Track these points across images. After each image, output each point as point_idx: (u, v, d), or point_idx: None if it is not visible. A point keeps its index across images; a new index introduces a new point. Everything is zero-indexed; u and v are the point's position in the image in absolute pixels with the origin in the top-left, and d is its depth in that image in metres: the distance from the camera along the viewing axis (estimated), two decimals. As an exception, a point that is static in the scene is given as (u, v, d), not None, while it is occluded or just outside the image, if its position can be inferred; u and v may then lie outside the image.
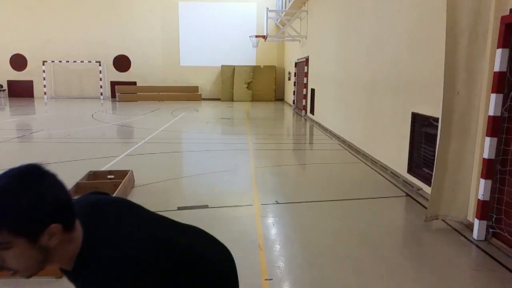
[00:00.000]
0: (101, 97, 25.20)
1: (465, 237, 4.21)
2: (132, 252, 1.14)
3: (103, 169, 6.55)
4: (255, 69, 25.00)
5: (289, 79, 22.40)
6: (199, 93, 25.36)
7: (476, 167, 4.26)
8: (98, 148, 8.91)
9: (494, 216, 4.04)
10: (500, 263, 3.63)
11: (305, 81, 16.59)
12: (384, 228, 4.51)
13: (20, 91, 25.47)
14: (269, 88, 25.14)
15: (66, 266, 1.17)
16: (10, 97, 25.24)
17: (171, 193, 5.73)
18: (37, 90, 25.46)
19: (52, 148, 9.21)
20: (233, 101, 24.60)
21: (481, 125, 4.18)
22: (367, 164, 7.66)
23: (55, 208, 1.08)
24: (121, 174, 5.70)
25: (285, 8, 19.80)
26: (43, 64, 24.67)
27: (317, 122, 14.08)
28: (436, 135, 4.96)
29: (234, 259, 1.45)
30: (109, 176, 5.73)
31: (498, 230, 4.01)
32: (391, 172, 6.84)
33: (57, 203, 1.09)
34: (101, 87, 25.18)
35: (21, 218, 1.01)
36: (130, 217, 1.29)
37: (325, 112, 13.09)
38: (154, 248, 1.19)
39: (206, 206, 5.06)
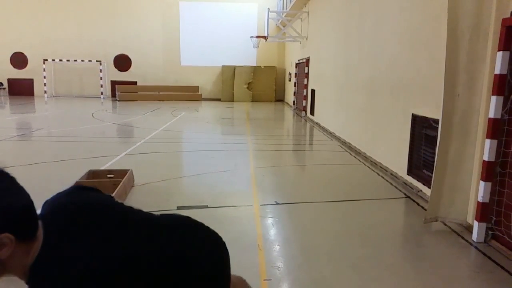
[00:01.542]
0: (101, 96, 25.19)
1: (464, 239, 4.21)
2: (81, 274, 1.04)
3: (103, 168, 6.54)
4: (255, 70, 25.01)
5: (290, 80, 22.40)
6: (199, 93, 25.37)
7: (476, 169, 4.26)
8: (98, 147, 8.91)
9: (494, 218, 4.04)
10: (499, 265, 3.63)
11: (305, 82, 16.59)
12: (383, 229, 4.50)
13: (21, 90, 25.47)
14: (269, 89, 25.15)
15: (22, 279, 1.08)
16: (10, 95, 25.23)
17: (171, 192, 5.73)
18: (37, 88, 25.45)
19: (52, 147, 9.21)
20: (233, 101, 24.60)
21: (481, 127, 4.19)
22: (367, 166, 7.66)
23: (6, 217, 0.99)
24: (120, 173, 5.70)
25: (286, 9, 19.81)
26: (44, 63, 24.67)
27: (317, 123, 14.08)
28: (436, 137, 4.96)
29: (234, 257, 1.43)
30: (108, 175, 5.73)
31: (497, 232, 4.01)
32: (391, 174, 6.84)
33: (9, 211, 1.00)
34: (101, 86, 25.17)
35: None
36: (99, 228, 1.18)
37: (325, 113, 13.09)
38: (112, 267, 1.10)
39: (205, 206, 5.06)
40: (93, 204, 1.27)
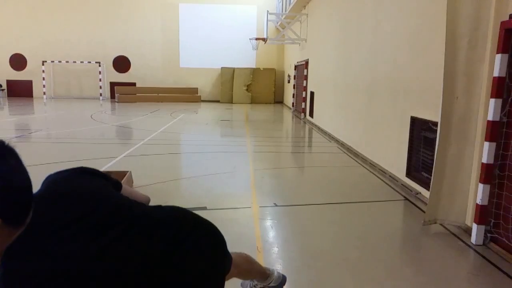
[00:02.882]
0: (100, 97, 25.19)
1: (463, 241, 4.21)
2: (49, 272, 1.00)
3: (101, 169, 6.52)
4: (254, 72, 25.03)
5: (289, 82, 22.43)
6: (198, 94, 25.37)
7: (475, 172, 4.26)
8: (96, 149, 8.90)
9: (492, 220, 4.05)
10: (498, 267, 3.63)
11: (304, 84, 16.61)
12: (382, 231, 4.50)
13: (19, 91, 25.46)
14: (268, 91, 25.17)
15: None
16: (9, 96, 25.22)
17: (170, 194, 5.72)
18: (36, 90, 25.44)
19: (51, 148, 9.19)
20: (232, 103, 24.61)
21: (480, 129, 4.19)
22: (365, 168, 7.67)
23: (1, 201, 0.95)
24: (119, 175, 5.68)
25: (285, 11, 19.85)
26: (43, 64, 24.66)
27: (316, 125, 14.09)
28: (435, 139, 4.96)
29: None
30: (107, 177, 5.71)
31: (496, 235, 4.01)
32: (390, 176, 6.84)
33: (5, 196, 0.96)
34: (100, 87, 25.18)
35: None
36: (86, 226, 1.13)
37: (324, 115, 13.10)
38: (84, 268, 1.04)
39: (204, 208, 5.05)
40: (88, 195, 1.22)
